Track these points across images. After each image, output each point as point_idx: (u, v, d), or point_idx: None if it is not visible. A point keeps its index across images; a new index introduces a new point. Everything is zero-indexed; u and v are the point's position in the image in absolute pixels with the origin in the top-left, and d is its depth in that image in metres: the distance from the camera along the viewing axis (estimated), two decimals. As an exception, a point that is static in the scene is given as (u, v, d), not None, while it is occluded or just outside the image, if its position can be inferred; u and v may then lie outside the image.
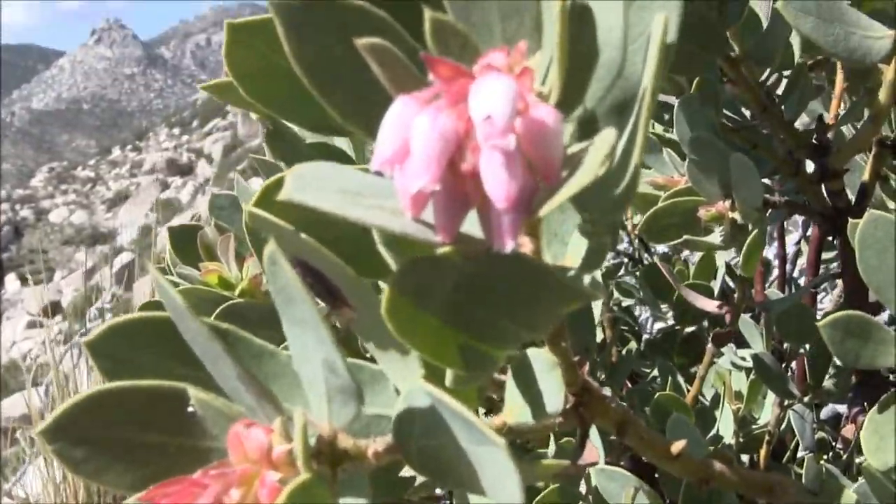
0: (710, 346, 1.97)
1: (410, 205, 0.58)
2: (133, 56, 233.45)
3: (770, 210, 1.63)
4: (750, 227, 1.53)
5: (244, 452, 0.64)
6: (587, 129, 0.67)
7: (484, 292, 0.64)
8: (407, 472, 0.89)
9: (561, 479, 0.92)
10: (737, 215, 1.50)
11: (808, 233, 2.54)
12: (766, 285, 2.50)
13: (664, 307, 2.45)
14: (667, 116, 1.71)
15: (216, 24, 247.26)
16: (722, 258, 2.17)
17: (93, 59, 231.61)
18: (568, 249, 0.79)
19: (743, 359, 2.09)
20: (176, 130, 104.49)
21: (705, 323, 2.44)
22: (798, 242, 2.75)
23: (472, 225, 0.61)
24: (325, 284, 0.70)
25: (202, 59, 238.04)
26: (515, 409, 0.81)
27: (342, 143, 1.28)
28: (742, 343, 2.15)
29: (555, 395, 0.76)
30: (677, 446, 0.96)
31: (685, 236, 1.54)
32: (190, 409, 0.68)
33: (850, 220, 1.11)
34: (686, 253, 3.06)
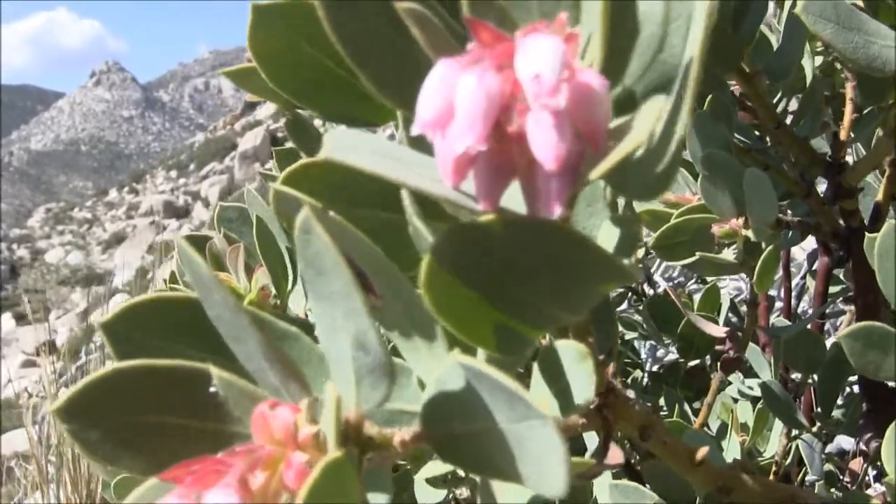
0: (717, 373, 1.96)
1: (452, 171, 0.56)
2: (132, 99, 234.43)
3: (783, 231, 1.62)
4: (763, 245, 1.51)
5: (269, 434, 0.61)
6: (626, 108, 0.65)
7: (524, 266, 0.62)
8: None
9: (583, 480, 0.90)
10: (750, 233, 1.49)
11: (814, 267, 2.53)
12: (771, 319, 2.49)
13: (667, 341, 2.43)
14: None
15: (214, 68, 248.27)
16: (726, 294, 2.16)
17: (91, 101, 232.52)
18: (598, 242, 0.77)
19: (750, 388, 2.07)
20: (173, 173, 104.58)
21: (708, 359, 2.43)
22: (804, 277, 2.73)
23: (509, 202, 0.59)
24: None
25: (200, 102, 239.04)
26: (541, 403, 0.79)
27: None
28: (749, 375, 2.13)
29: (585, 387, 0.73)
30: (700, 453, 0.94)
31: (698, 253, 1.52)
32: (212, 389, 0.66)
33: (867, 234, 1.10)
34: (691, 285, 3.05)
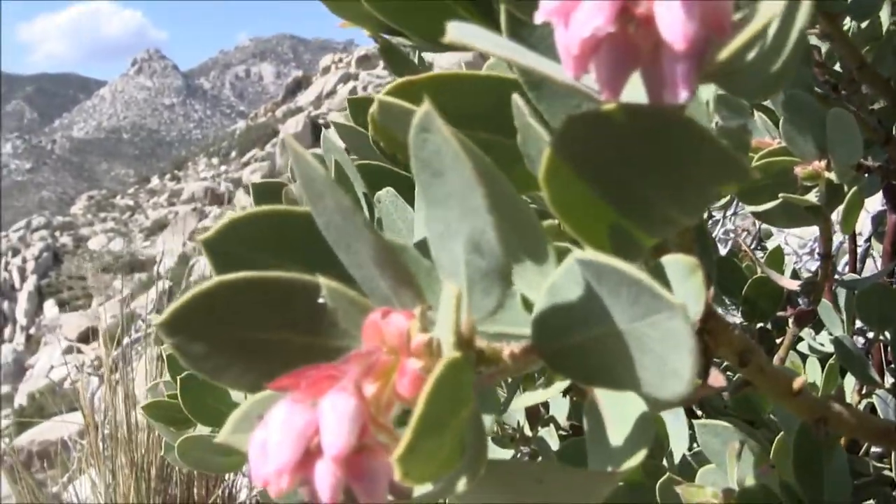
0: (791, 327, 1.93)
1: (575, 60, 0.55)
2: (173, 86, 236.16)
3: (865, 174, 1.59)
4: (845, 187, 1.49)
5: (381, 342, 0.60)
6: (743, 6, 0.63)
7: (645, 158, 0.60)
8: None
9: (688, 404, 0.88)
10: (833, 175, 1.46)
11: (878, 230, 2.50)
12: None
13: (730, 304, 2.41)
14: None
15: (255, 56, 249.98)
16: (792, 258, 2.14)
17: (133, 89, 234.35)
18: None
19: (822, 344, 2.04)
20: (215, 160, 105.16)
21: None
22: (868, 240, 2.70)
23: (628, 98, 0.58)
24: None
25: (241, 89, 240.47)
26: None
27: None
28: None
29: (695, 300, 0.71)
30: (798, 382, 0.92)
31: (781, 196, 1.50)
32: (320, 300, 0.64)
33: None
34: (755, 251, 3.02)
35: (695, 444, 1.47)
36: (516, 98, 0.68)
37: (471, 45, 0.56)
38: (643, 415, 0.67)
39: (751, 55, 0.60)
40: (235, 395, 1.94)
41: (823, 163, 1.47)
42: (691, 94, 0.54)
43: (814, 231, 3.45)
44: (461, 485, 0.60)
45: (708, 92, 0.80)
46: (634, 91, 0.57)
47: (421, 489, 0.60)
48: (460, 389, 0.55)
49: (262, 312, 0.65)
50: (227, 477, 4.63)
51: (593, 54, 0.55)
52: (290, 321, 0.65)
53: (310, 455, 0.55)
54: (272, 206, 0.72)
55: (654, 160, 0.60)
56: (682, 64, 0.53)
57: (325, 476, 0.54)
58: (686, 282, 0.71)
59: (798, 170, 1.49)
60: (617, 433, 0.69)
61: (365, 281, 0.65)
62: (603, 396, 0.71)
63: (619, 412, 0.69)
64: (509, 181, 0.66)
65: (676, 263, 0.71)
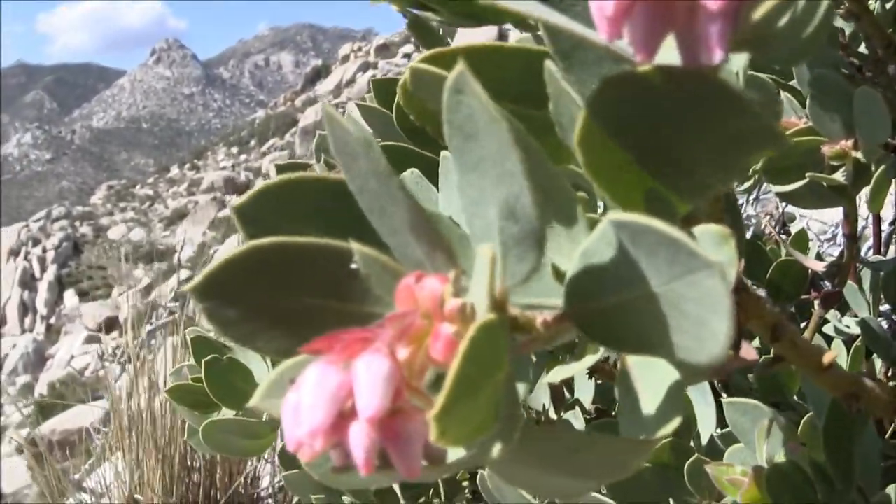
0: (816, 309, 1.92)
1: (609, 21, 0.54)
2: (192, 76, 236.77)
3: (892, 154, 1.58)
4: (872, 166, 1.48)
5: (415, 305, 0.60)
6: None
7: (679, 120, 0.59)
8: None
9: (717, 376, 0.87)
10: (860, 154, 1.46)
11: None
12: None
13: (754, 287, 2.40)
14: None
15: (274, 45, 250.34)
16: (815, 243, 2.13)
17: (152, 79, 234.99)
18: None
19: (847, 326, 2.03)
20: (234, 149, 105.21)
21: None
22: (893, 222, 2.69)
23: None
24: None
25: (260, 78, 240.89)
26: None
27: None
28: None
29: (728, 268, 0.71)
30: (829, 356, 0.92)
31: (808, 175, 1.49)
32: (352, 266, 0.64)
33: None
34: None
35: (719, 430, 1.47)
36: (549, 64, 0.68)
37: (503, 7, 0.55)
38: (675, 383, 0.67)
39: (782, 21, 0.59)
40: (259, 376, 1.94)
41: (850, 142, 1.46)
42: (726, 56, 0.54)
43: (835, 217, 3.44)
44: (495, 450, 0.60)
45: (738, 63, 0.79)
46: (667, 54, 0.56)
47: (454, 454, 0.60)
48: (495, 352, 0.55)
49: (294, 278, 0.65)
50: (249, 463, 4.64)
51: (627, 16, 0.55)
52: (322, 287, 0.65)
53: (343, 418, 0.55)
54: (303, 173, 0.72)
55: (689, 123, 0.59)
56: (717, 24, 0.53)
57: (360, 438, 0.54)
58: (718, 250, 0.71)
59: (825, 149, 1.49)
60: (649, 402, 0.68)
61: (398, 247, 0.65)
62: (635, 366, 0.71)
63: (651, 381, 0.69)
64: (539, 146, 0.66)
65: (708, 232, 0.71)
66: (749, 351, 0.84)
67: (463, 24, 1.01)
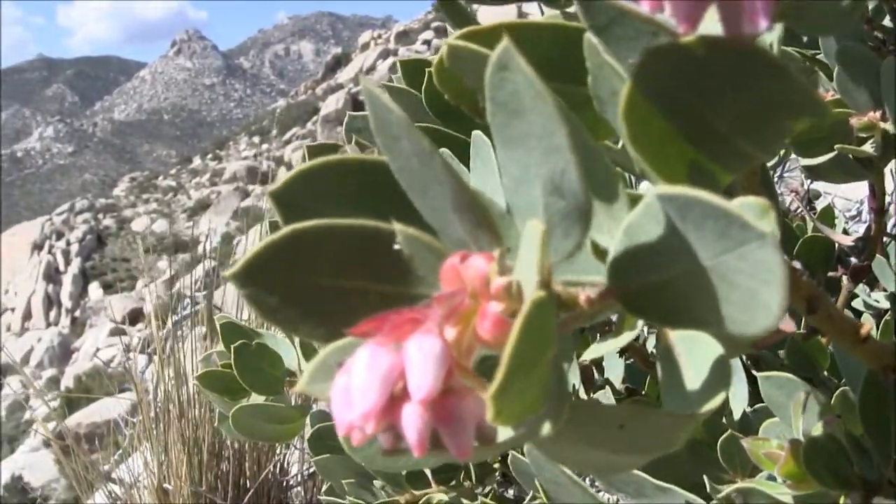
0: (845, 284, 1.91)
1: (650, -2, 0.54)
2: (213, 66, 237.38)
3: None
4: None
5: (460, 285, 0.59)
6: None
7: (722, 91, 0.59)
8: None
9: (758, 349, 0.87)
10: (889, 126, 1.45)
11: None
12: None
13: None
14: (806, 38, 1.66)
15: (294, 34, 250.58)
16: (841, 220, 2.12)
17: (173, 70, 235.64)
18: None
19: (877, 301, 2.02)
20: (256, 139, 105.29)
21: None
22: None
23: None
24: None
25: (281, 68, 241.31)
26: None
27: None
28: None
29: (774, 240, 0.71)
30: (866, 328, 0.91)
31: (837, 146, 1.48)
32: (395, 247, 0.64)
33: None
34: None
35: (747, 408, 1.47)
36: (589, 37, 0.68)
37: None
38: (720, 357, 0.66)
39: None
40: (289, 362, 1.94)
41: (878, 113, 1.46)
42: (770, 25, 0.54)
43: (859, 194, 3.43)
44: (545, 428, 0.59)
45: (772, 36, 0.79)
46: (707, 26, 0.56)
47: (504, 434, 0.59)
48: (546, 329, 0.55)
49: (336, 261, 0.65)
50: (278, 451, 4.65)
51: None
52: (364, 269, 0.65)
53: (394, 400, 0.55)
54: (341, 155, 0.72)
55: (733, 92, 0.59)
56: (760, -5, 0.53)
57: (413, 419, 0.53)
58: (760, 222, 0.70)
59: (853, 121, 1.48)
60: (694, 377, 0.68)
61: (441, 226, 0.64)
62: (678, 341, 0.70)
63: (695, 356, 0.68)
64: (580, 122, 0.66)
65: (749, 204, 0.71)
66: (788, 323, 0.84)
67: (489, 1, 1.01)
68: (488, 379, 0.53)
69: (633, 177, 1.33)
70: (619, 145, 0.82)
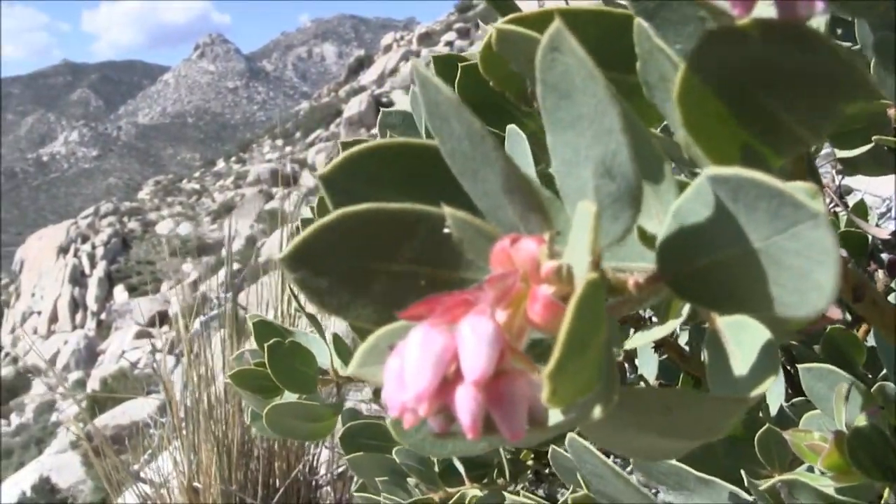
0: (881, 277, 1.91)
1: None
2: (236, 70, 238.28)
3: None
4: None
5: (510, 267, 0.59)
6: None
7: (777, 74, 0.59)
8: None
9: (803, 336, 0.87)
10: (928, 116, 1.44)
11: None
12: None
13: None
14: (839, 30, 1.66)
15: (317, 37, 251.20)
16: (873, 216, 2.11)
17: (196, 74, 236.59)
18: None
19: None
20: (279, 142, 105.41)
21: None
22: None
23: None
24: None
25: (304, 70, 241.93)
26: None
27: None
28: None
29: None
30: (912, 316, 0.91)
31: (874, 137, 1.48)
32: (445, 231, 0.64)
33: None
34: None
35: (783, 403, 1.47)
36: (640, 22, 0.67)
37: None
38: (768, 342, 0.66)
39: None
40: (322, 360, 1.94)
41: (917, 104, 1.45)
42: (826, 7, 0.54)
43: (888, 191, 3.41)
44: (596, 412, 0.59)
45: (818, 21, 0.78)
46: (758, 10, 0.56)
47: (554, 417, 0.59)
48: (598, 311, 0.55)
49: (386, 244, 0.65)
50: (308, 451, 4.66)
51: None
52: (414, 253, 0.65)
53: (447, 382, 0.54)
54: (389, 139, 0.72)
55: (786, 75, 0.59)
56: (815, -21, 0.53)
57: (466, 401, 0.53)
58: (811, 202, 0.70)
59: (891, 112, 1.47)
60: (741, 362, 0.68)
61: (490, 210, 0.64)
62: (726, 327, 0.70)
63: (743, 341, 0.68)
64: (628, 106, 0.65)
65: (797, 187, 0.70)
66: (834, 311, 0.84)
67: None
68: (538, 363, 0.53)
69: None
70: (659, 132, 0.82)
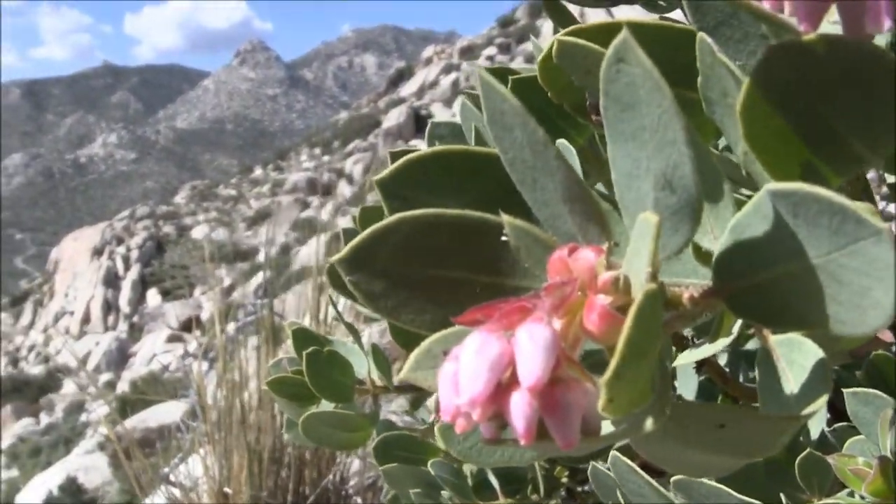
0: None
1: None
2: (276, 77, 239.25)
3: None
4: None
5: (569, 276, 0.59)
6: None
7: (841, 91, 0.59)
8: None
9: (855, 357, 0.86)
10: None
11: None
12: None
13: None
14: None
15: (358, 47, 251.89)
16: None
17: (236, 80, 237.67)
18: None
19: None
20: (317, 150, 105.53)
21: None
22: None
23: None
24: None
25: (344, 80, 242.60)
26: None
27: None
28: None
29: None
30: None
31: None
32: (502, 239, 0.64)
33: None
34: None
35: (825, 427, 1.45)
36: (703, 37, 0.67)
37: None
38: (820, 360, 0.66)
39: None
40: (359, 369, 1.95)
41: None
42: (893, 25, 0.53)
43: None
44: (648, 424, 0.59)
45: (883, 39, 0.78)
46: (826, 26, 0.56)
47: (606, 429, 0.59)
48: (655, 322, 0.55)
49: (443, 250, 0.65)
50: (338, 460, 4.66)
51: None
52: (471, 260, 0.65)
53: (501, 388, 0.54)
54: (448, 146, 0.72)
55: (852, 92, 0.59)
56: (883, -3, 0.52)
57: (521, 407, 0.53)
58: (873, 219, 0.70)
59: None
60: (793, 381, 0.68)
61: (549, 219, 0.64)
62: (778, 345, 0.70)
63: (795, 360, 0.68)
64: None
65: (859, 207, 0.70)
66: (886, 333, 0.84)
67: (585, 3, 1.01)
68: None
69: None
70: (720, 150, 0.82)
